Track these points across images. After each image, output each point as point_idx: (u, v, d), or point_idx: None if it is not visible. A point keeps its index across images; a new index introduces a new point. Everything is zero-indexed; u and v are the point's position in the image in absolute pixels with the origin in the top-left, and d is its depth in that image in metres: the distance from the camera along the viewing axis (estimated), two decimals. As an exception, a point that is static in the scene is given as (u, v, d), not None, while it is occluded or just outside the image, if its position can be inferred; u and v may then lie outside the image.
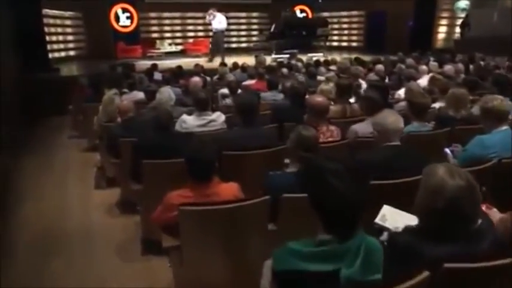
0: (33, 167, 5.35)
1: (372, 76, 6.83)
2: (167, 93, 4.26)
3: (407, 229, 1.48)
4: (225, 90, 5.76)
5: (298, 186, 2.01)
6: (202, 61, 11.58)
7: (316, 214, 1.28)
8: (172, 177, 2.68)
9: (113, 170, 4.21)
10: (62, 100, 7.57)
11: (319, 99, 3.11)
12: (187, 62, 11.31)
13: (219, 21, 12.57)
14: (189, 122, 3.54)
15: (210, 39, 13.85)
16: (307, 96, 3.74)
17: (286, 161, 2.93)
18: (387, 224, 1.81)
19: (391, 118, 2.40)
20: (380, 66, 7.41)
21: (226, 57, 12.72)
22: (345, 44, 18.52)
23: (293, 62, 9.64)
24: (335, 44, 18.17)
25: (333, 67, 8.97)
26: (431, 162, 1.54)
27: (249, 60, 9.89)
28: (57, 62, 11.53)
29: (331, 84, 5.94)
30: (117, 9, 14.53)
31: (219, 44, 12.74)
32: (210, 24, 12.66)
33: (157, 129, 2.84)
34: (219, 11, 12.79)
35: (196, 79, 5.33)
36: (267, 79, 5.79)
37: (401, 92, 5.28)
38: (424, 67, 7.10)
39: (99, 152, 4.77)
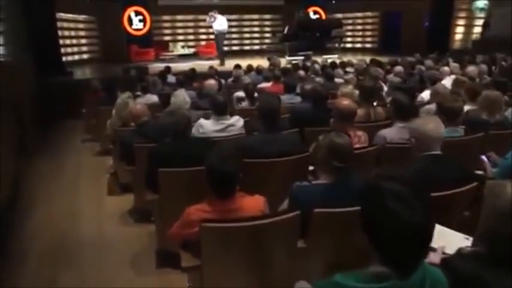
0: (45, 171, 5.25)
1: (392, 78, 6.61)
2: (182, 97, 4.10)
3: (468, 254, 1.28)
4: (241, 93, 5.59)
5: (330, 199, 1.83)
6: (215, 64, 11.43)
7: (370, 241, 1.08)
8: (190, 186, 2.52)
9: (126, 176, 4.06)
10: (75, 103, 7.47)
11: (346, 102, 2.91)
12: (200, 65, 11.22)
13: (220, 23, 12.44)
14: (207, 126, 3.37)
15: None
16: (330, 100, 3.55)
17: (310, 167, 2.75)
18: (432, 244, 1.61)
19: (431, 124, 2.18)
20: (399, 68, 7.17)
21: (239, 60, 12.53)
22: (358, 45, 18.24)
23: (308, 64, 9.45)
24: (349, 45, 17.88)
25: (349, 69, 8.75)
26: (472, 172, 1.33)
27: (262, 63, 9.72)
28: (71, 65, 11.50)
29: (350, 87, 5.77)
30: (130, 12, 14.49)
31: (219, 46, 12.58)
32: (210, 26, 12.56)
33: (174, 135, 2.67)
34: (232, 13, 12.67)
35: (211, 82, 5.17)
36: (283, 81, 5.60)
37: (424, 95, 5.05)
38: (446, 68, 6.84)
39: (112, 157, 4.64)
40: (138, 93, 6.26)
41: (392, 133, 3.06)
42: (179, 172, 2.50)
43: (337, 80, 6.84)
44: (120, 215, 3.91)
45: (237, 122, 3.52)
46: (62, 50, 11.30)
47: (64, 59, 11.35)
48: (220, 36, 12.57)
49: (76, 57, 13.26)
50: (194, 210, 1.90)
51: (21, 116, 6.15)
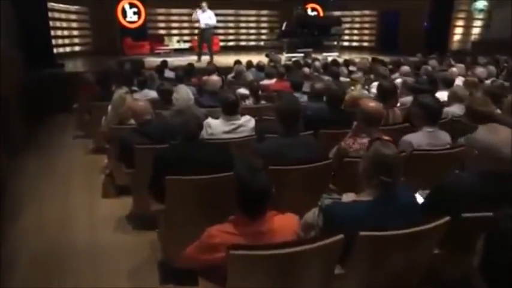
0: (34, 170, 4.90)
1: (398, 77, 6.36)
2: (185, 93, 3.80)
3: None
4: (244, 91, 5.29)
5: (374, 218, 1.55)
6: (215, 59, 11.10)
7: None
8: (202, 196, 2.24)
9: (123, 178, 3.74)
10: (66, 97, 7.13)
11: (373, 104, 2.63)
12: (195, 60, 10.89)
13: (209, 16, 11.50)
14: (216, 127, 3.07)
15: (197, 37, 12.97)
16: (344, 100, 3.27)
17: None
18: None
19: (502, 133, 1.80)
20: (406, 68, 6.92)
21: (235, 55, 12.20)
22: (355, 44, 18.04)
23: (309, 61, 9.17)
24: (346, 43, 17.65)
25: (352, 67, 8.50)
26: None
27: (260, 59, 9.34)
28: (62, 58, 11.10)
29: (359, 87, 5.51)
30: (124, 4, 14.08)
31: (208, 41, 11.88)
32: (197, 20, 11.52)
33: (184, 137, 2.38)
34: (228, 8, 12.08)
35: (214, 78, 4.86)
36: (289, 79, 5.31)
37: (440, 96, 4.79)
38: (454, 69, 6.61)
39: (107, 156, 4.30)
40: (135, 88, 5.92)
41: (420, 139, 2.80)
42: (189, 180, 2.20)
43: (342, 79, 6.59)
44: (117, 220, 3.59)
45: (247, 122, 3.23)
46: (53, 42, 10.93)
47: (55, 50, 10.99)
48: (209, 31, 11.98)
49: (68, 49, 12.84)
50: (218, 232, 1.60)
51: (7, 110, 5.77)
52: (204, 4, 11.36)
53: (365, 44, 17.89)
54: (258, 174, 1.56)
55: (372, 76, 6.80)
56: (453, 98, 3.98)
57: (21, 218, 3.69)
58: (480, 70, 6.69)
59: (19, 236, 3.38)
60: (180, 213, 2.27)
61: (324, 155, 2.55)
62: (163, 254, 2.65)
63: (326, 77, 6.11)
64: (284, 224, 1.64)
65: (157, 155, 2.34)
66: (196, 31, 16.24)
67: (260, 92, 5.12)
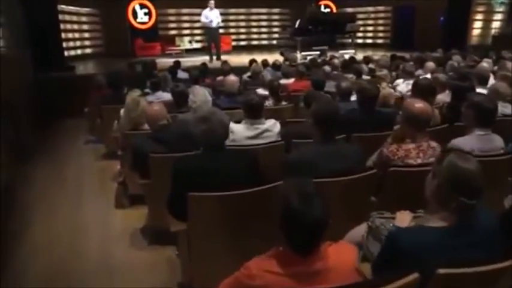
0: (44, 179, 4.66)
1: (422, 74, 5.98)
2: (202, 94, 3.52)
3: None
4: (262, 91, 5.00)
5: (452, 249, 1.24)
6: (225, 59, 10.81)
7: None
8: (230, 215, 1.95)
9: (137, 187, 3.46)
10: (77, 101, 6.90)
11: (420, 105, 2.30)
12: (207, 60, 10.62)
13: (216, 15, 11.31)
14: (238, 132, 2.78)
15: (205, 37, 12.73)
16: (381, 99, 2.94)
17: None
18: None
19: None
20: (431, 64, 6.55)
21: (247, 55, 11.96)
22: (369, 41, 17.58)
23: (326, 59, 8.84)
24: (359, 41, 17.20)
25: (371, 65, 8.13)
26: None
27: (273, 58, 9.03)
28: (73, 60, 10.96)
29: (384, 85, 5.17)
30: (135, 5, 13.90)
31: (217, 40, 11.71)
32: (210, 20, 11.25)
33: (208, 147, 2.07)
34: (240, 6, 11.82)
35: (232, 78, 4.56)
36: (311, 78, 4.99)
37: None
38: (485, 64, 6.22)
39: (120, 164, 4.04)
40: (147, 90, 5.68)
41: (471, 143, 2.47)
42: (215, 197, 1.90)
43: (364, 76, 6.25)
44: (131, 234, 3.32)
45: (273, 126, 2.93)
46: (64, 44, 10.79)
47: (66, 53, 10.84)
48: (217, 30, 11.66)
49: (78, 51, 12.70)
50: (259, 272, 1.27)
51: (16, 114, 5.56)
52: (212, 2, 11.11)
53: (379, 40, 17.44)
54: (312, 203, 1.25)
55: (393, 74, 6.47)
56: (495, 96, 3.62)
57: (30, 232, 3.44)
58: (510, 64, 6.28)
59: (27, 253, 3.12)
60: (203, 233, 1.98)
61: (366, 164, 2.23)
62: (184, 275, 2.36)
63: (350, 75, 5.78)
64: (341, 258, 1.32)
65: (176, 168, 2.05)
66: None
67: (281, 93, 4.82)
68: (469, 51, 10.99)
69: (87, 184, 4.51)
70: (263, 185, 1.99)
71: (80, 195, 4.19)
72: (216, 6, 11.83)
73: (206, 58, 11.39)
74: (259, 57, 8.65)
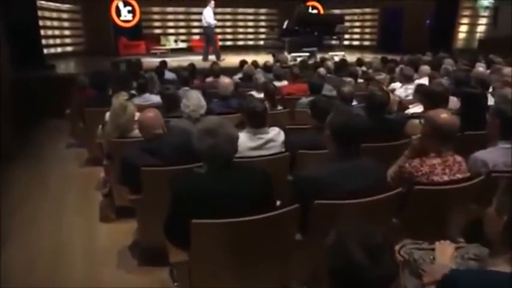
0: (22, 188, 4.32)
1: (417, 78, 5.83)
2: (196, 99, 3.23)
3: None
4: (256, 94, 4.75)
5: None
6: (211, 59, 10.53)
7: None
8: (238, 241, 1.69)
9: (124, 199, 3.17)
10: (58, 101, 6.52)
11: (446, 116, 2.08)
12: (194, 60, 10.29)
13: (209, 15, 11.35)
14: (241, 142, 2.48)
15: (202, 36, 12.69)
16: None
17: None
18: None
19: None
20: (426, 68, 6.41)
21: (235, 56, 11.75)
22: (356, 43, 17.52)
23: (316, 60, 8.64)
24: (346, 42, 17.12)
25: (363, 68, 7.97)
26: None
27: (261, 59, 8.77)
28: (53, 58, 10.50)
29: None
30: (118, 2, 13.48)
31: (213, 40, 11.67)
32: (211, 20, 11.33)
33: (214, 166, 1.76)
34: (226, 6, 11.68)
35: (226, 80, 4.28)
36: (308, 81, 4.76)
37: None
38: (481, 69, 6.11)
39: (104, 171, 3.72)
40: (133, 91, 5.36)
41: (495, 156, 2.27)
42: (222, 224, 1.63)
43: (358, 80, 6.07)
44: (119, 252, 3.01)
45: (277, 136, 2.68)
46: (44, 42, 10.38)
47: (46, 51, 10.42)
48: (213, 29, 11.61)
49: (59, 49, 12.22)
50: None
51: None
52: (212, 2, 10.98)
53: (366, 42, 17.41)
54: (381, 259, 1.01)
55: (387, 77, 6.31)
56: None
57: (6, 250, 3.11)
58: (508, 70, 6.18)
59: (3, 276, 2.79)
60: (208, 265, 1.72)
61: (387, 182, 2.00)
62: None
63: (349, 79, 5.57)
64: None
65: (176, 190, 1.76)
66: (194, 30, 15.84)
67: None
68: (457, 54, 10.95)
69: (69, 194, 4.18)
70: (275, 207, 1.75)
71: (62, 207, 3.86)
72: (203, 6, 11.65)
73: (192, 58, 11.09)
74: (245, 58, 8.38)
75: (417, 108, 4.21)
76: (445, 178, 2.04)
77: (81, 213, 3.69)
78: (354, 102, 3.99)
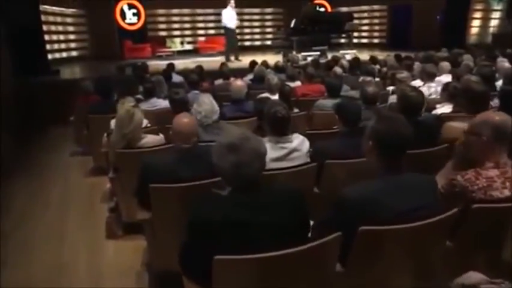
0: (23, 200, 4.07)
1: (442, 77, 5.50)
2: (209, 104, 2.95)
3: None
4: (270, 96, 4.45)
5: None
6: (219, 60, 10.27)
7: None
8: (269, 280, 1.40)
9: (132, 213, 2.89)
10: (62, 108, 6.30)
11: (503, 118, 1.78)
12: (202, 62, 10.05)
13: (227, 16, 11.34)
14: (263, 154, 2.22)
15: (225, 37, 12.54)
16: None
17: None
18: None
19: None
20: (446, 64, 6.07)
21: (241, 56, 11.55)
22: (365, 40, 17.17)
23: (328, 59, 8.34)
24: (355, 40, 16.80)
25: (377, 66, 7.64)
26: None
27: (267, 59, 8.49)
28: (58, 64, 10.31)
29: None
30: (123, 5, 13.30)
31: (236, 41, 11.69)
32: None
33: (239, 189, 1.46)
34: (228, 6, 11.46)
35: (239, 83, 3.99)
36: (326, 82, 4.46)
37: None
38: (507, 64, 5.76)
39: (110, 182, 3.45)
40: (139, 96, 5.10)
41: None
42: (250, 260, 1.34)
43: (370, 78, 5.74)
44: (127, 273, 2.73)
45: (301, 144, 2.38)
46: (48, 47, 10.23)
47: (50, 56, 10.28)
48: (231, 30, 11.57)
49: (64, 54, 12.06)
50: None
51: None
52: (232, 2, 10.95)
53: (375, 40, 17.07)
54: None
55: (410, 75, 5.95)
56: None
57: (6, 271, 2.84)
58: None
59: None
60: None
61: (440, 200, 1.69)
62: None
63: (368, 78, 5.26)
64: None
65: (193, 218, 1.46)
66: (200, 31, 15.62)
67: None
68: (473, 50, 10.57)
69: (73, 207, 3.91)
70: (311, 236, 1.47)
71: (65, 222, 3.59)
72: (208, 7, 11.49)
73: (199, 59, 10.89)
74: (253, 58, 8.10)
75: (445, 108, 3.91)
76: (506, 193, 1.74)
77: (86, 229, 3.42)
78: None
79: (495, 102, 3.60)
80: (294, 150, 2.34)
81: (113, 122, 3.50)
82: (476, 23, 14.88)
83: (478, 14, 14.81)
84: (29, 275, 2.83)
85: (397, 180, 1.59)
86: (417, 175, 1.65)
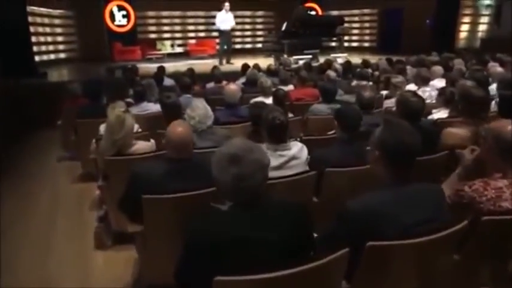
0: (9, 209, 3.90)
1: (435, 81, 5.48)
2: (203, 109, 2.86)
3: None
4: (264, 99, 4.37)
5: None
6: (211, 63, 10.18)
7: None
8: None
9: (122, 223, 2.77)
10: (50, 110, 6.14)
11: (510, 127, 1.72)
12: (193, 65, 9.94)
13: (220, 19, 11.39)
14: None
15: (218, 40, 12.50)
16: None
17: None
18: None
19: None
20: (439, 68, 6.07)
21: (233, 59, 11.49)
22: (355, 44, 17.21)
23: (320, 63, 8.29)
24: (345, 44, 16.83)
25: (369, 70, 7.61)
26: None
27: (258, 62, 8.41)
28: (45, 66, 10.11)
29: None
30: (112, 6, 13.11)
31: (230, 44, 11.66)
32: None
33: (239, 203, 1.38)
34: (222, 9, 11.41)
35: (233, 87, 3.90)
36: (320, 86, 4.40)
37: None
38: (499, 69, 5.76)
39: (99, 191, 3.33)
40: (129, 100, 4.99)
41: None
42: (252, 281, 1.23)
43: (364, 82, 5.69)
44: (117, 286, 2.62)
45: (300, 152, 2.30)
46: (35, 48, 10.02)
47: (37, 58, 10.06)
48: (230, 33, 11.73)
49: (52, 56, 11.84)
50: None
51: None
52: (227, 4, 10.81)
53: (366, 44, 17.14)
54: None
55: (405, 79, 5.92)
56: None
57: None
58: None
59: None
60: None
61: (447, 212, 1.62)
62: None
63: (363, 82, 5.21)
64: None
65: (191, 235, 1.36)
66: (190, 34, 15.49)
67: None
68: (463, 54, 10.62)
69: (60, 215, 3.77)
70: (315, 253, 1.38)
71: (52, 232, 3.44)
72: (199, 9, 11.43)
73: (190, 62, 10.79)
74: (243, 61, 8.02)
75: (441, 113, 3.86)
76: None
77: (74, 239, 3.29)
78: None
79: (492, 107, 3.57)
80: (293, 158, 2.25)
81: (102, 127, 3.38)
82: (465, 27, 15.02)
83: (467, 19, 14.95)
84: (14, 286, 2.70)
85: (405, 191, 1.51)
86: (425, 185, 1.58)
